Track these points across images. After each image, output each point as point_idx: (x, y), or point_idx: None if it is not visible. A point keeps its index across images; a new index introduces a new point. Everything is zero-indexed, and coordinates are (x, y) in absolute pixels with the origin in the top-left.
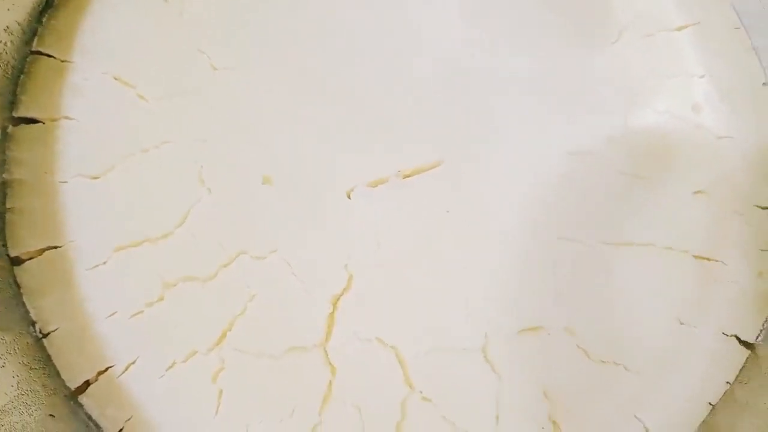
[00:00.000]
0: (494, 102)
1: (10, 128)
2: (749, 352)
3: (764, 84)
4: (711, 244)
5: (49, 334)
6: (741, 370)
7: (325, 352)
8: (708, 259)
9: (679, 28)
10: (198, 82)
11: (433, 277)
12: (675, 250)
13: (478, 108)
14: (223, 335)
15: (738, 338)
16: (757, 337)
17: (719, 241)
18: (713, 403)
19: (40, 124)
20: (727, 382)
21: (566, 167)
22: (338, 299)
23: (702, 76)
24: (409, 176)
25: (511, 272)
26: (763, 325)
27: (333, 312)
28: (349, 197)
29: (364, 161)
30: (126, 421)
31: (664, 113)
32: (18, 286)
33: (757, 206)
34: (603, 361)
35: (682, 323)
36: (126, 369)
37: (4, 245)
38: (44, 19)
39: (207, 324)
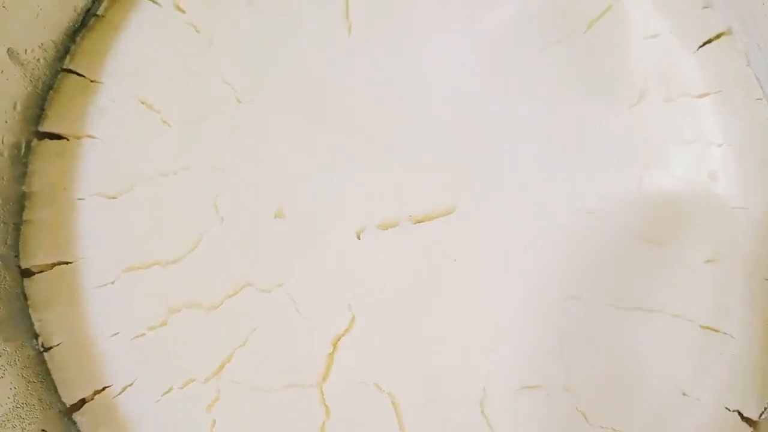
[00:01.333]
0: (510, 153)
1: (34, 142)
2: (751, 429)
3: None
4: (719, 315)
5: (51, 348)
6: None
7: (322, 392)
8: (715, 330)
9: (701, 96)
10: (221, 112)
11: (435, 325)
12: (682, 319)
13: (494, 159)
14: (222, 366)
15: (740, 414)
16: (761, 415)
17: (727, 313)
18: None
19: (64, 140)
20: None
21: (578, 225)
22: (339, 339)
23: (720, 145)
24: (420, 221)
25: (515, 327)
26: (767, 402)
27: (333, 352)
28: (358, 238)
29: (377, 203)
30: None
31: (679, 179)
32: (26, 298)
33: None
34: (602, 426)
35: (684, 394)
36: (123, 390)
37: (17, 256)
38: (78, 39)
39: (207, 353)
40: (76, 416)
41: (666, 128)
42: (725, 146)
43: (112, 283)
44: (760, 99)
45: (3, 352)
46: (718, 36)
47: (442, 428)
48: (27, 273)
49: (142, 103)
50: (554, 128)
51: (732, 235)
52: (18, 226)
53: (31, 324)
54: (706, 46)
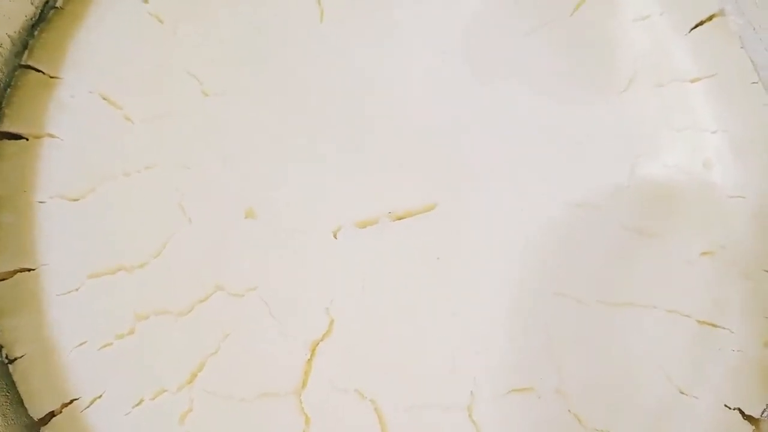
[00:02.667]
0: (494, 147)
1: None
2: (753, 427)
3: None
4: (716, 310)
5: (15, 359)
6: None
7: (300, 400)
8: (713, 325)
9: (694, 80)
10: (187, 107)
11: (418, 327)
12: (678, 314)
13: (476, 152)
14: (194, 375)
15: (741, 412)
16: (763, 413)
17: (725, 307)
18: None
19: (23, 140)
20: None
21: (566, 219)
22: (317, 345)
23: (714, 132)
24: (400, 218)
25: (502, 327)
26: None
27: (311, 358)
28: (335, 237)
29: (354, 200)
30: None
31: (672, 167)
32: None
33: (767, 271)
34: (596, 429)
35: (682, 392)
36: (92, 403)
37: None
38: (36, 33)
39: (178, 361)
40: (44, 431)
41: (657, 115)
42: (720, 133)
43: (77, 290)
44: (756, 83)
45: None
46: (710, 18)
47: None
48: None
49: (104, 99)
50: (539, 117)
51: (729, 225)
52: None
53: None
54: (698, 28)
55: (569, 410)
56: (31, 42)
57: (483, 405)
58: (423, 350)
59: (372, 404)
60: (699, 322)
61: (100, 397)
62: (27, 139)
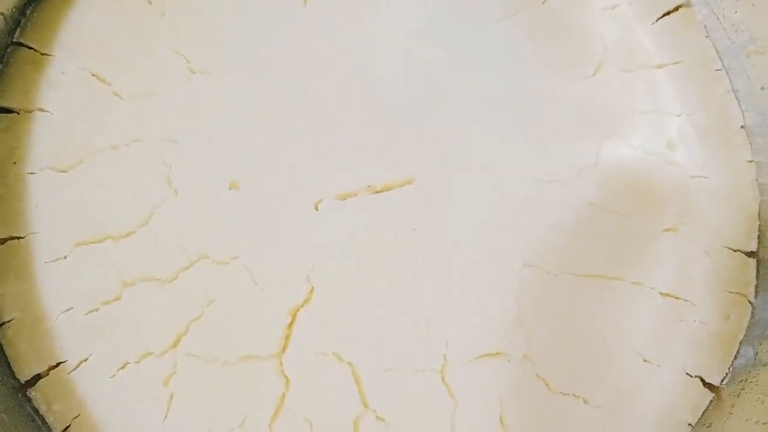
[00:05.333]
0: (468, 125)
1: None
2: (713, 395)
3: (741, 127)
4: (679, 283)
5: (3, 324)
6: (704, 413)
7: (281, 363)
8: (675, 298)
9: (659, 66)
10: (174, 83)
11: (394, 294)
12: (642, 286)
13: (452, 129)
14: (178, 339)
15: (702, 380)
16: (722, 381)
17: (688, 281)
18: None
19: (14, 114)
20: (689, 425)
21: (535, 194)
22: (297, 310)
23: (679, 115)
24: (379, 192)
25: (473, 296)
26: (728, 368)
27: (291, 323)
28: (316, 208)
29: (335, 174)
30: (73, 418)
31: (637, 148)
32: None
33: (727, 248)
34: (563, 393)
35: (645, 360)
36: (78, 365)
37: None
38: (28, 11)
39: (162, 326)
40: (31, 392)
41: (624, 99)
42: (684, 116)
43: (65, 257)
44: (719, 70)
45: None
46: (676, 8)
47: (403, 396)
48: None
49: (94, 75)
50: (511, 99)
51: (691, 203)
52: None
53: None
54: (665, 18)
55: (537, 374)
56: (23, 20)
57: (455, 368)
58: (398, 316)
59: (349, 367)
60: (662, 294)
61: (86, 360)
62: (18, 113)
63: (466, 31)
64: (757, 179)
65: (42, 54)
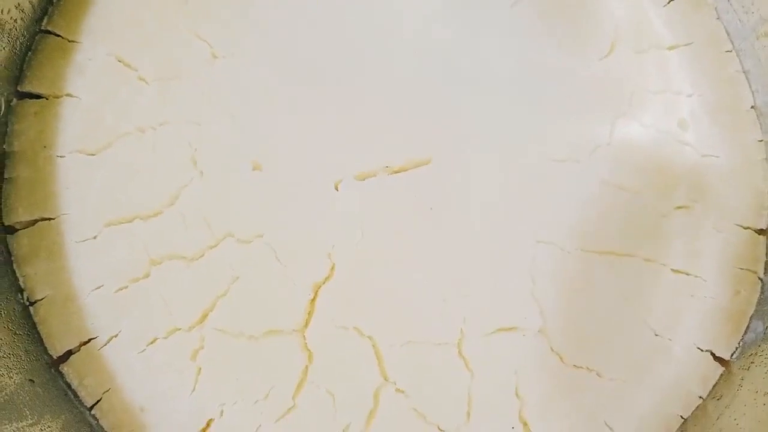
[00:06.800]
0: (483, 105)
1: (14, 101)
2: (723, 368)
3: (752, 107)
4: (690, 260)
5: (36, 302)
6: (714, 386)
7: (303, 337)
8: (687, 274)
9: (671, 47)
10: (197, 68)
11: (412, 271)
12: (654, 263)
13: (467, 110)
14: (205, 315)
15: (713, 354)
16: (732, 355)
17: (699, 257)
18: (684, 417)
19: (44, 99)
20: (700, 397)
21: (549, 173)
22: (320, 287)
23: (690, 95)
24: (396, 172)
25: (489, 272)
26: (738, 343)
27: (314, 299)
28: (336, 189)
29: (354, 155)
30: (104, 392)
31: (650, 127)
32: (9, 254)
33: (738, 225)
34: (576, 366)
35: (657, 335)
36: (108, 341)
37: None
38: (55, 0)
39: (190, 302)
40: (63, 367)
41: (636, 79)
42: (695, 96)
43: (94, 237)
44: (730, 51)
45: None
46: None
47: (421, 369)
48: (10, 230)
49: (120, 61)
50: (526, 79)
51: (702, 182)
52: None
53: (16, 279)
54: (677, 0)
55: (551, 348)
56: (50, 9)
57: (471, 342)
58: (416, 292)
59: (370, 340)
60: (674, 270)
61: (116, 336)
62: (47, 99)
63: (480, 13)
64: (766, 158)
65: (69, 41)
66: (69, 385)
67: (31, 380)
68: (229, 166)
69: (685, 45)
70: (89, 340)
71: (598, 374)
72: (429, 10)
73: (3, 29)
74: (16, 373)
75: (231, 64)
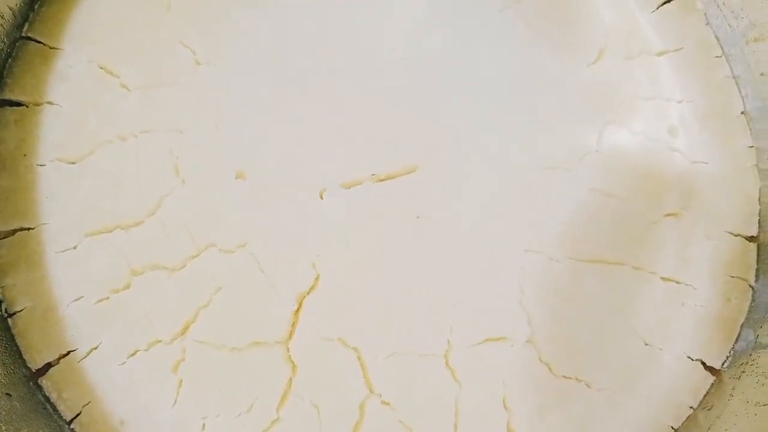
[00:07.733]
0: (470, 112)
1: None
2: (714, 378)
3: (742, 113)
4: (680, 267)
5: (15, 314)
6: (705, 395)
7: (287, 349)
8: (677, 282)
9: (660, 53)
10: (180, 75)
11: (398, 281)
12: (644, 271)
13: (454, 118)
14: (187, 326)
15: (703, 363)
16: (723, 364)
17: (688, 265)
18: (675, 427)
19: (24, 107)
20: (691, 407)
21: (538, 180)
22: (304, 297)
23: (680, 101)
24: (383, 180)
25: (477, 281)
26: (729, 351)
27: (298, 309)
28: (321, 197)
29: (339, 163)
30: (84, 405)
31: (639, 134)
32: None
33: (728, 232)
34: (565, 376)
35: (647, 344)
36: (88, 354)
37: None
38: (36, 6)
39: (171, 314)
40: (42, 380)
41: (625, 85)
42: (685, 102)
43: (74, 247)
44: (720, 57)
45: None
46: None
47: (408, 380)
48: None
49: (102, 68)
50: (514, 86)
51: (692, 189)
52: None
53: None
54: (665, 5)
55: (540, 359)
56: (31, 15)
57: (458, 352)
58: (402, 302)
59: (355, 352)
60: (664, 278)
61: (96, 348)
62: (27, 106)
63: (468, 20)
64: (757, 164)
65: (50, 48)
66: (48, 399)
67: (8, 394)
68: (212, 175)
69: (675, 51)
70: (69, 353)
71: (587, 385)
72: (416, 16)
73: None
74: None
75: (214, 72)
